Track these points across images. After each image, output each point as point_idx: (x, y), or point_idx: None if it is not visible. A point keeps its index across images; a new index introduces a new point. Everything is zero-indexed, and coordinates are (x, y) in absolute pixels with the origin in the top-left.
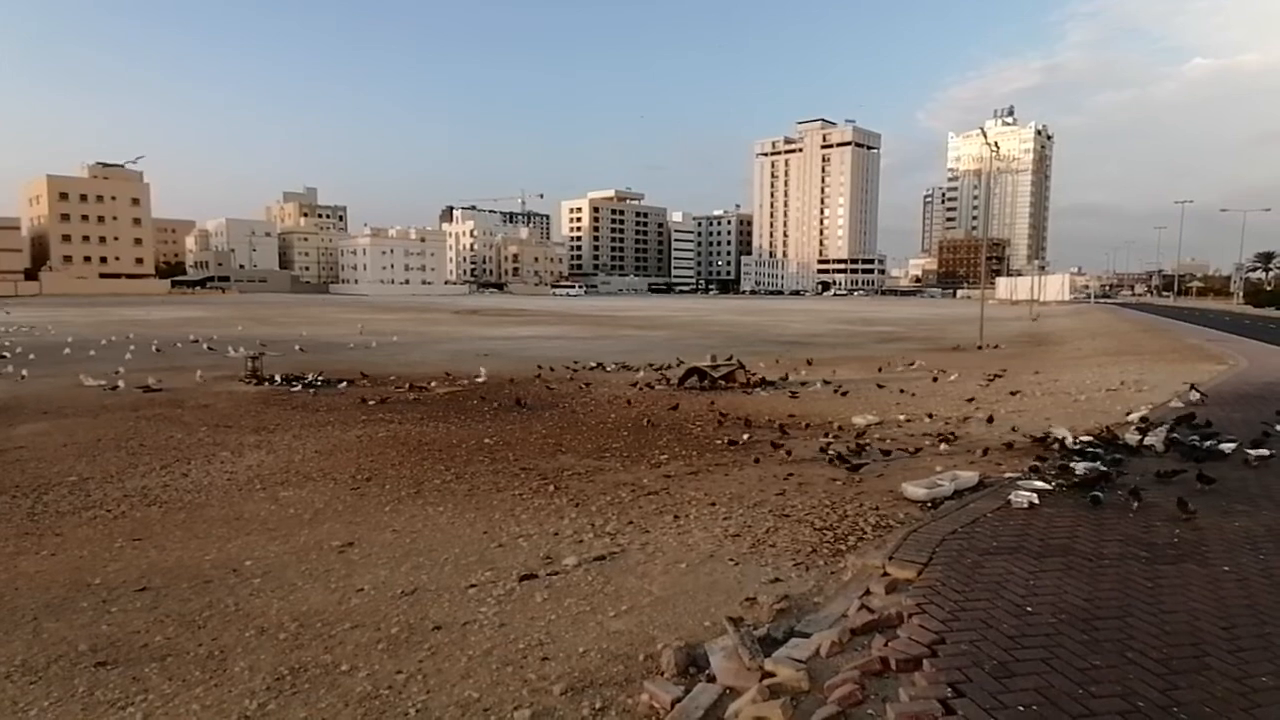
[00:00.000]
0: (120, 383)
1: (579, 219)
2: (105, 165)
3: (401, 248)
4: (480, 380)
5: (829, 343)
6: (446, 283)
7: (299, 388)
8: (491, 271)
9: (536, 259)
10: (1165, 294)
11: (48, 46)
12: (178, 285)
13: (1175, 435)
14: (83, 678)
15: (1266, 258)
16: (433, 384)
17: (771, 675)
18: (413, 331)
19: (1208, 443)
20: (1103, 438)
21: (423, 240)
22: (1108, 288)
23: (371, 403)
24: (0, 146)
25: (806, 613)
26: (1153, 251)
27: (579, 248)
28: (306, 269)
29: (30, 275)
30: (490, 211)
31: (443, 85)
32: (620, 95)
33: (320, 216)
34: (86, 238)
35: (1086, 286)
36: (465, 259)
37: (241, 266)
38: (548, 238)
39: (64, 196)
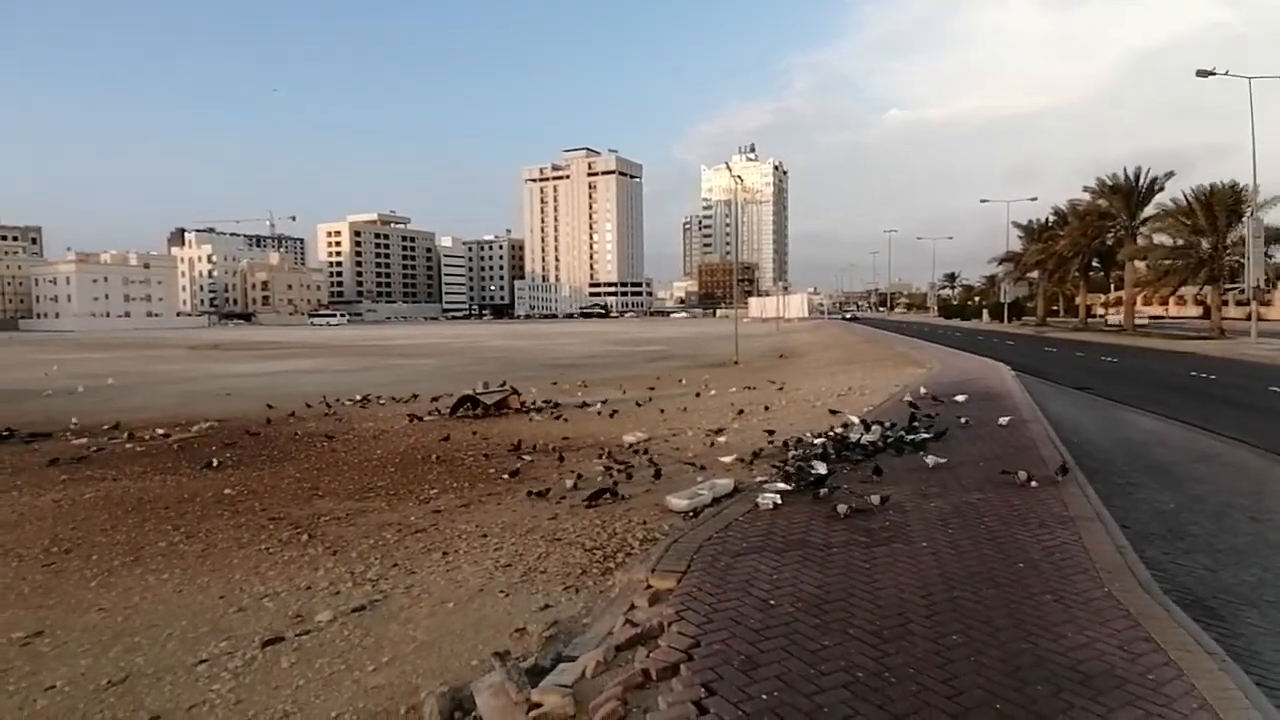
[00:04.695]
0: None
1: (338, 243)
2: None
3: (120, 275)
4: (219, 423)
5: (602, 364)
6: (180, 315)
7: None
8: (236, 301)
9: (290, 286)
10: (881, 309)
11: None
12: None
13: (888, 433)
14: None
15: (951, 278)
16: (158, 431)
17: (538, 705)
18: (134, 372)
19: (911, 436)
20: (835, 437)
21: (146, 267)
22: (839, 305)
23: (73, 460)
24: None
25: (575, 635)
26: (869, 272)
27: (340, 274)
28: None
29: None
30: (233, 235)
31: (175, 94)
32: (382, 122)
33: (6, 239)
34: None
35: (821, 305)
36: (203, 287)
37: None
38: (303, 263)
39: None
